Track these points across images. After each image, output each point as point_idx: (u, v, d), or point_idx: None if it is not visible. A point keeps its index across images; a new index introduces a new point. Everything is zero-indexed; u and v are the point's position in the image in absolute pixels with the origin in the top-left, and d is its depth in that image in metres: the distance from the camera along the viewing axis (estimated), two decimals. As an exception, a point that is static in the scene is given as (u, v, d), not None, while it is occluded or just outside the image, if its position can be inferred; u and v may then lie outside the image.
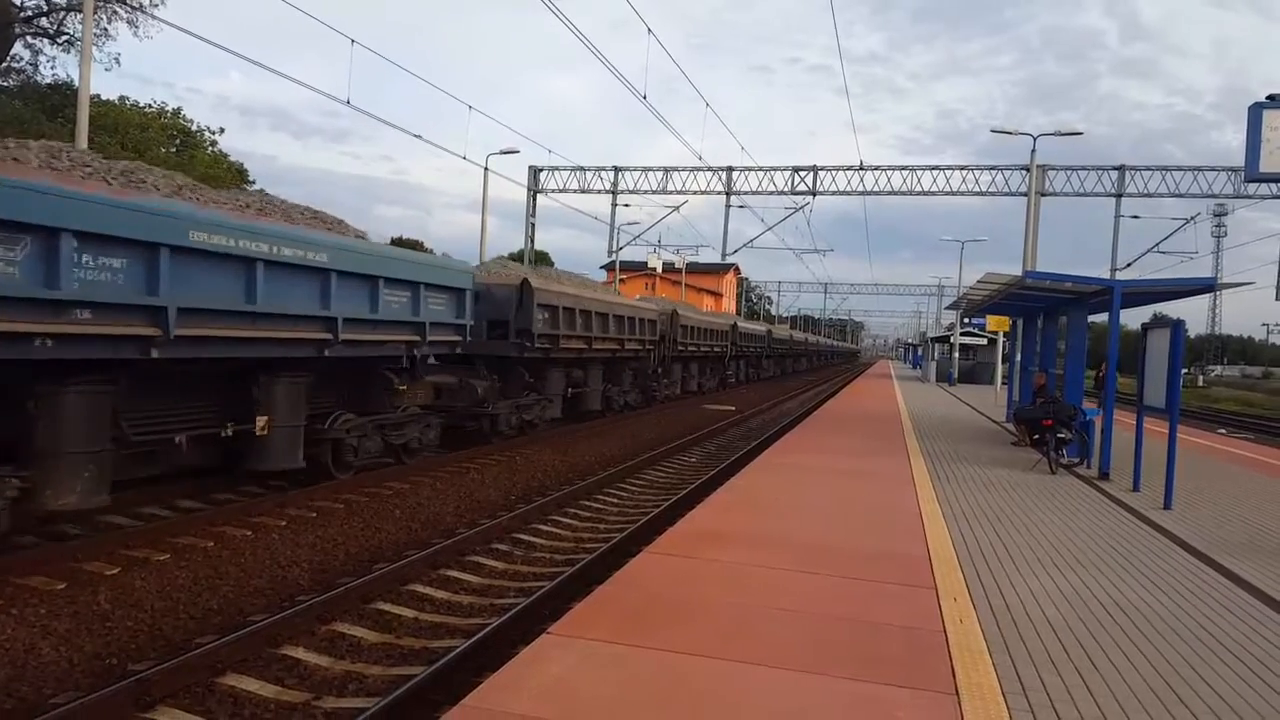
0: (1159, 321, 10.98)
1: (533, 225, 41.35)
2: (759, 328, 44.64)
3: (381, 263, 10.45)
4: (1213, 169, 33.36)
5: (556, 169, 40.29)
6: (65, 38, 33.35)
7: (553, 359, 16.52)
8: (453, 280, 12.26)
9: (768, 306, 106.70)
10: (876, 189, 37.00)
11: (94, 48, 26.97)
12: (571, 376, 18.22)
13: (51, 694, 5.15)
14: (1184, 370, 16.90)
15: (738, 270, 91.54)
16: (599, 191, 40.52)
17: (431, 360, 12.51)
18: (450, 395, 13.75)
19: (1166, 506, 9.91)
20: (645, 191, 40.01)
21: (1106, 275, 30.79)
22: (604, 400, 20.13)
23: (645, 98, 21.80)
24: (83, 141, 14.64)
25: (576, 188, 40.43)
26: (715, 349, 31.19)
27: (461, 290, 12.48)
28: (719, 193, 39.26)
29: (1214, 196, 34.37)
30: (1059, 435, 12.81)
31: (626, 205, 41.56)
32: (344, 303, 9.65)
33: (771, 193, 38.70)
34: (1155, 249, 35.08)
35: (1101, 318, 15.77)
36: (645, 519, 10.13)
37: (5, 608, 5.93)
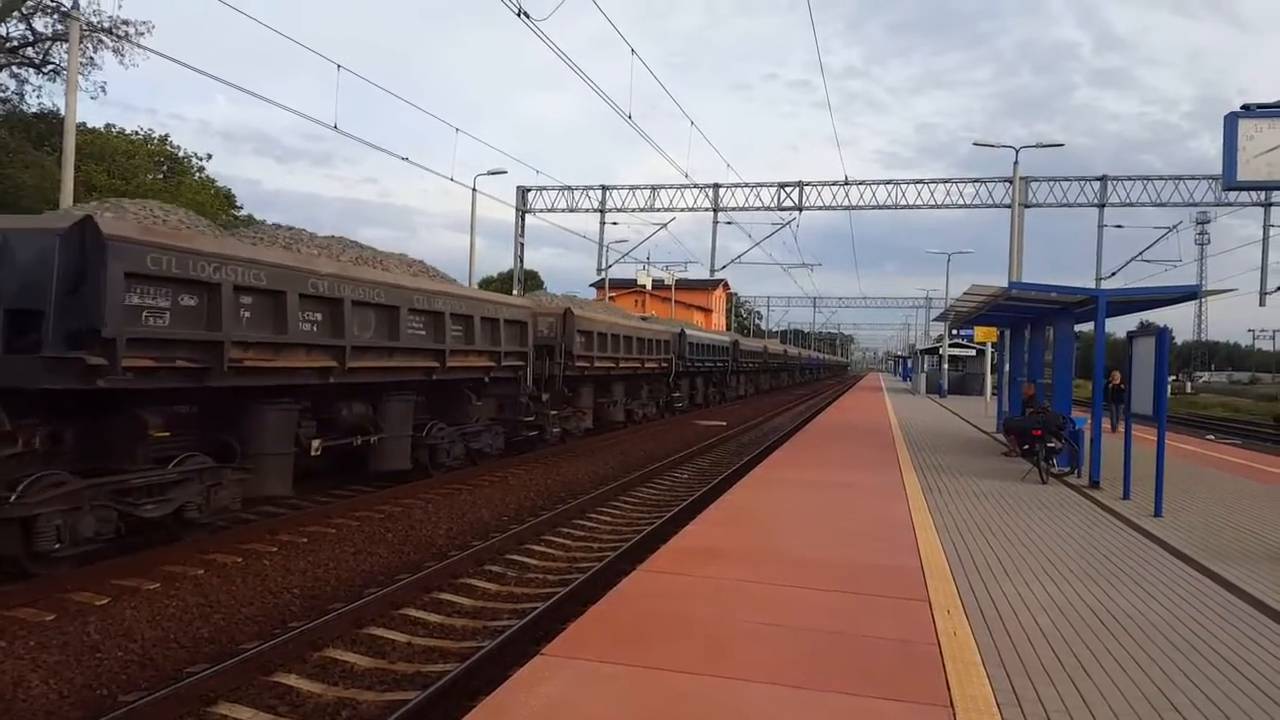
0: (1145, 329, 11.06)
1: (521, 245, 41.43)
2: (721, 338, 36.78)
3: None
4: (1193, 178, 33.67)
5: (544, 189, 40.40)
6: (51, 67, 33.39)
7: (226, 391, 8.58)
8: None
9: (758, 321, 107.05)
10: (862, 203, 37.21)
11: (80, 76, 26.99)
12: (336, 415, 10.80)
13: (41, 727, 5.09)
14: (1171, 377, 16.97)
15: (727, 286, 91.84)
16: (587, 210, 40.61)
17: None
18: None
19: (1157, 514, 9.95)
20: (633, 209, 40.12)
21: (1091, 284, 31.02)
22: (415, 451, 12.24)
23: (630, 117, 21.92)
24: (69, 170, 14.65)
25: (564, 207, 40.51)
26: (650, 365, 23.84)
27: None
28: (706, 209, 39.40)
29: (1195, 205, 34.65)
30: (1049, 445, 12.87)
31: (614, 223, 41.64)
32: None
33: (758, 208, 38.84)
34: (1139, 258, 35.32)
35: (1088, 327, 15.89)
36: (638, 537, 10.10)
37: (-7, 641, 5.87)
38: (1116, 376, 19.21)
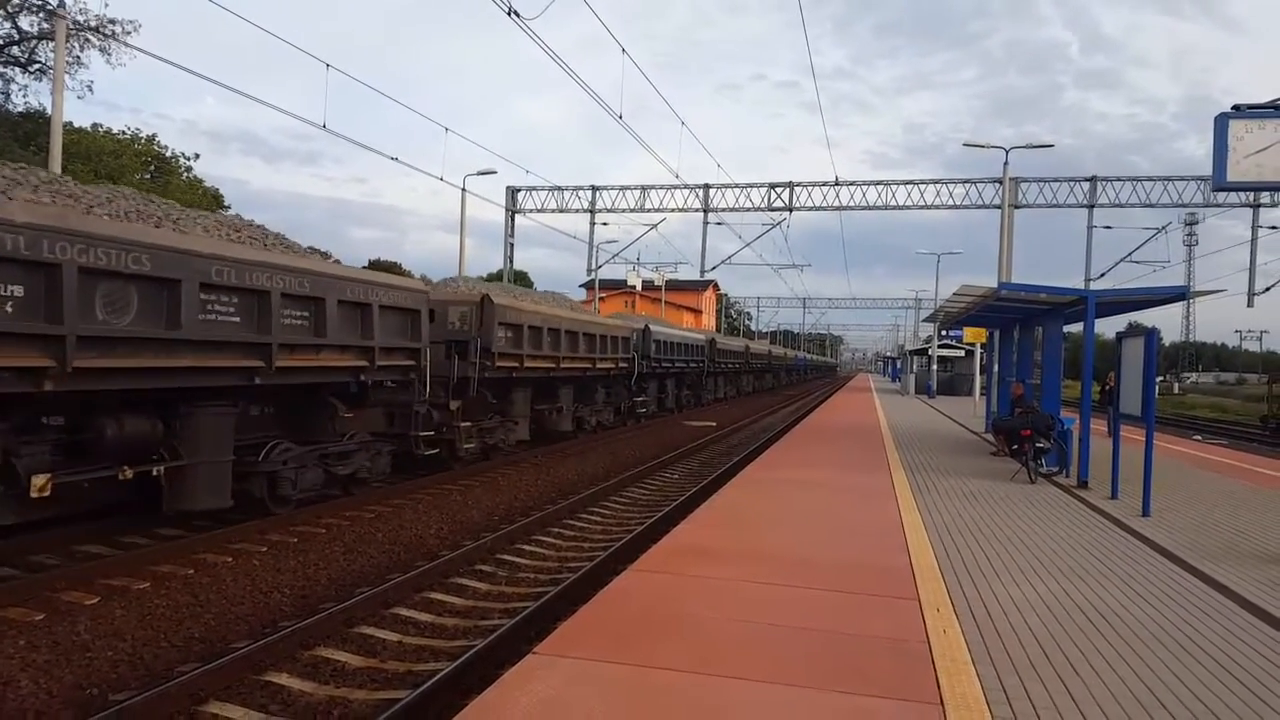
0: (1133, 330, 11.13)
1: (511, 245, 41.41)
2: (695, 335, 33.09)
3: None
4: (1182, 179, 33.95)
5: (534, 189, 40.44)
6: (37, 66, 33.22)
7: None
8: None
9: (747, 322, 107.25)
10: (852, 204, 37.36)
11: (66, 76, 26.84)
12: (98, 436, 7.83)
13: (30, 727, 5.07)
14: (1159, 378, 16.99)
15: (717, 287, 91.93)
16: (577, 211, 40.70)
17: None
18: None
19: (1144, 513, 10.01)
20: (623, 210, 40.23)
21: (1080, 285, 31.20)
22: (245, 481, 9.54)
23: (621, 117, 21.95)
24: (56, 169, 14.57)
25: (554, 207, 40.59)
26: (605, 365, 20.64)
27: None
28: (696, 210, 39.50)
29: (1184, 205, 35.02)
30: (1037, 445, 12.94)
31: (604, 224, 41.73)
32: None
33: (748, 209, 38.99)
34: (1128, 258, 35.58)
35: (1077, 327, 15.97)
36: (629, 537, 10.12)
37: (-18, 641, 5.85)
38: (1110, 378, 19.07)
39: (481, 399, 14.68)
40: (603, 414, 22.09)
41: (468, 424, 14.23)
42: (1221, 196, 32.24)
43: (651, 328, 25.49)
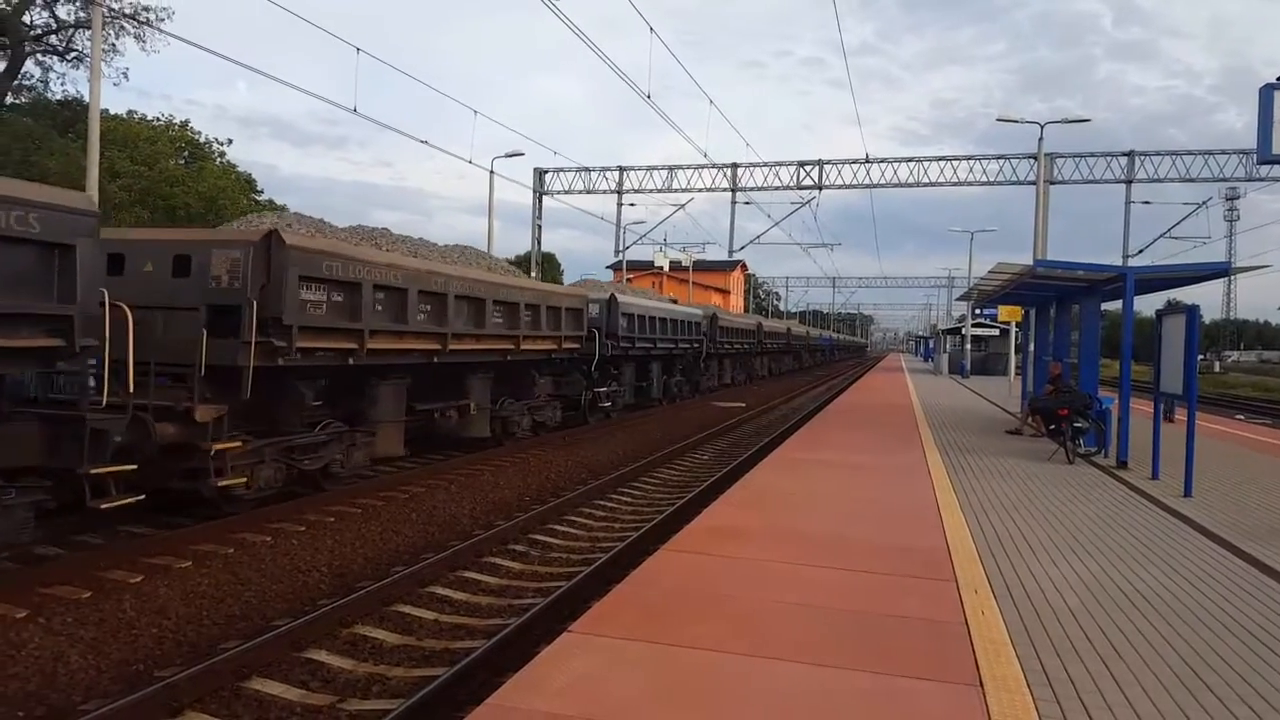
0: (1173, 308, 10.91)
1: (539, 227, 41.41)
2: (689, 311, 27.40)
3: None
4: (1223, 152, 33.12)
5: (561, 170, 40.34)
6: (74, 54, 33.62)
7: None
8: None
9: (776, 302, 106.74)
10: (883, 181, 36.89)
11: (102, 64, 27.15)
12: None
13: (81, 700, 5.20)
14: (1200, 356, 16.46)
15: (745, 267, 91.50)
16: (604, 191, 40.51)
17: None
18: None
19: (1186, 494, 9.85)
20: (650, 190, 40.00)
21: (1118, 262, 30.65)
22: None
23: (649, 96, 21.83)
24: (94, 156, 14.77)
25: (581, 188, 40.45)
26: (544, 346, 15.47)
27: None
28: (724, 189, 39.19)
29: (1225, 180, 34.11)
30: (1075, 424, 12.75)
31: (632, 205, 41.52)
32: None
33: (777, 188, 38.61)
34: (1167, 234, 34.87)
35: (1115, 305, 15.69)
36: (660, 517, 10.13)
37: (33, 617, 6.00)
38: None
39: (288, 401, 9.69)
40: (545, 411, 16.70)
41: (243, 444, 8.79)
42: (1265, 170, 31.43)
43: (620, 299, 19.75)
